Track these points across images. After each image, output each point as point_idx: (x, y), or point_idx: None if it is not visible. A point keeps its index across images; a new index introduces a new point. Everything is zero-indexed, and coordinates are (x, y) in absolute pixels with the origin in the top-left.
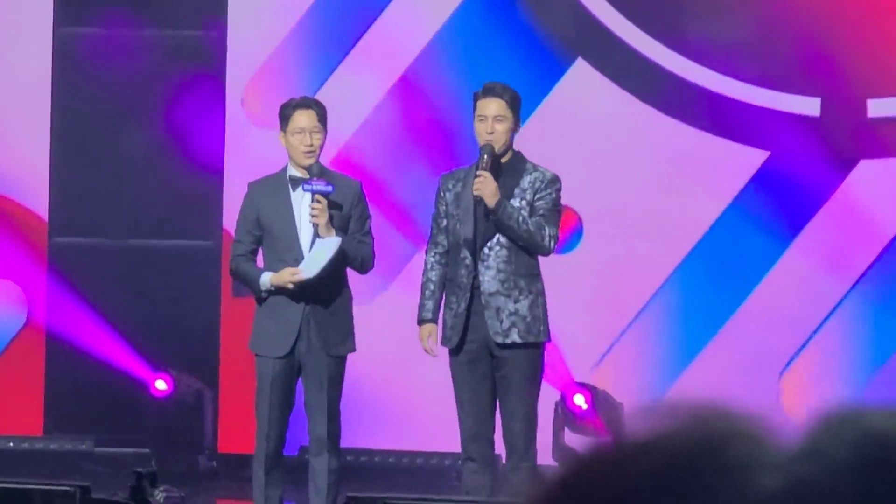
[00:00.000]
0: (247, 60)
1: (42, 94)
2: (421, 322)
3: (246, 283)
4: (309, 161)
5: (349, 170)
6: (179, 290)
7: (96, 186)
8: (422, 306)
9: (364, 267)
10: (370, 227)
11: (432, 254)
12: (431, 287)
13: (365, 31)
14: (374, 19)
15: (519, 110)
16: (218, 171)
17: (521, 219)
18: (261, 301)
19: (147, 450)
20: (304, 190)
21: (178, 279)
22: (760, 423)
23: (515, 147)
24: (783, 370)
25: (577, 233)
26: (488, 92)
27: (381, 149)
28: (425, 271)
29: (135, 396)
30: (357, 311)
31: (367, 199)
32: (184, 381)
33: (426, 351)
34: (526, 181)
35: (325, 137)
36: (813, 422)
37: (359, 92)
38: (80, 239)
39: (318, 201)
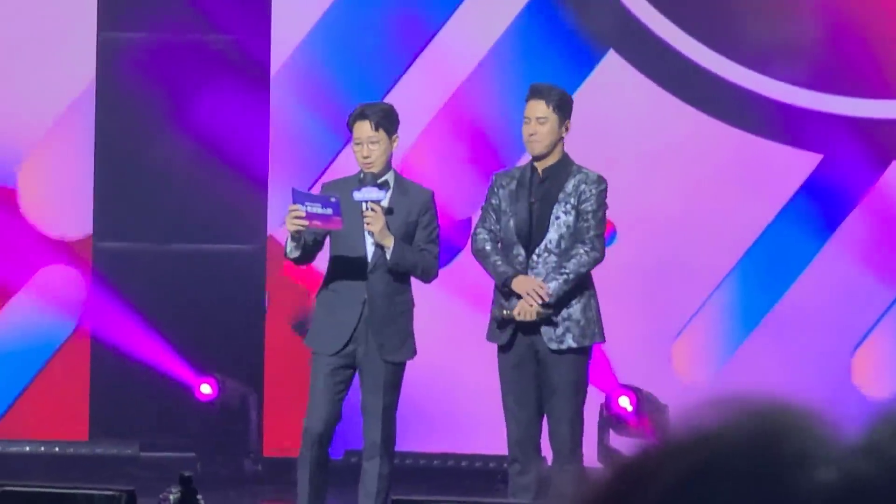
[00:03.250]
0: (291, 65)
1: (86, 99)
2: (512, 276)
3: (288, 252)
4: (368, 171)
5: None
6: (224, 295)
7: (140, 191)
8: (495, 265)
9: (427, 275)
10: (437, 237)
11: (486, 230)
12: (495, 248)
13: (412, 35)
14: (421, 21)
15: (567, 111)
16: (262, 176)
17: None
18: (321, 295)
19: (192, 454)
20: (355, 199)
21: (223, 283)
22: (817, 417)
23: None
24: (833, 372)
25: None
26: (534, 93)
27: (433, 156)
28: (483, 241)
29: (180, 401)
30: None
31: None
32: (229, 385)
33: (534, 295)
34: (570, 185)
35: (390, 141)
36: (872, 418)
37: (406, 97)
38: (124, 244)
39: (372, 209)
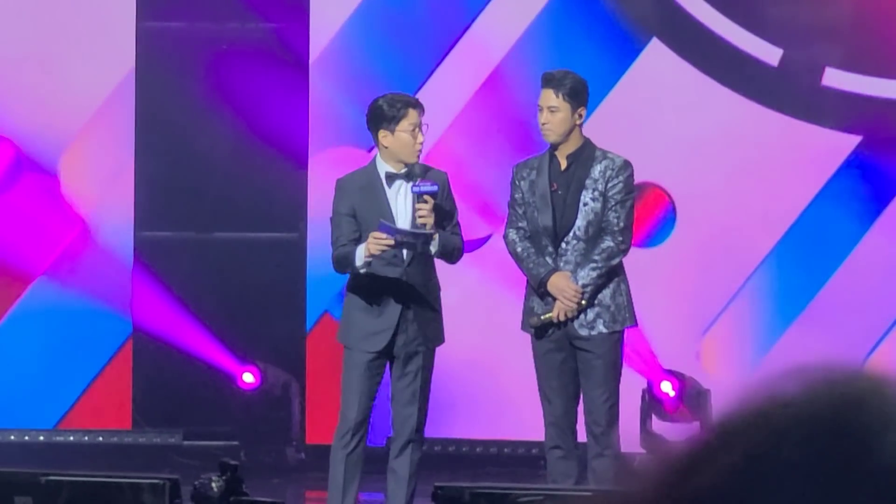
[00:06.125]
0: (329, 52)
1: (126, 89)
2: (546, 277)
3: (345, 265)
4: (415, 160)
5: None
6: (265, 283)
7: (181, 180)
8: (532, 266)
9: (456, 258)
10: (457, 218)
11: (515, 230)
12: (526, 249)
13: (450, 21)
14: (460, 13)
15: (581, 98)
16: (302, 164)
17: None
18: (354, 290)
19: (236, 442)
20: (413, 192)
21: (264, 271)
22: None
23: (585, 133)
24: (869, 354)
25: (669, 222)
26: (545, 82)
27: (466, 140)
28: (513, 243)
29: (222, 389)
30: (445, 301)
31: (453, 191)
32: (271, 374)
33: (570, 299)
34: (596, 170)
35: None
36: None
37: (443, 84)
38: (165, 233)
39: (426, 201)
